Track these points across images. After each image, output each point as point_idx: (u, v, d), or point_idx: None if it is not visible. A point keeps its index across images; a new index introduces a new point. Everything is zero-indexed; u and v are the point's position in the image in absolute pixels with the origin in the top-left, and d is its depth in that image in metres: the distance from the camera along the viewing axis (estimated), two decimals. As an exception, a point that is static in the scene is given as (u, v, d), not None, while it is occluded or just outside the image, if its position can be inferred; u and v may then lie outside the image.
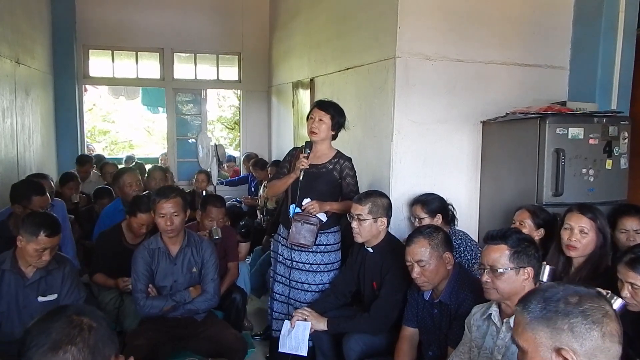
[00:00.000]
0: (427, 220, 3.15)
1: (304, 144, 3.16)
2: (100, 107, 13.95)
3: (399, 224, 3.54)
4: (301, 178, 3.08)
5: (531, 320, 1.23)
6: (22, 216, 2.75)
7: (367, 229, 2.82)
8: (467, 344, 2.09)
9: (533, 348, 1.22)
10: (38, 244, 2.49)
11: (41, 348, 1.18)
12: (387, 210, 2.87)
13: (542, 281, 2.30)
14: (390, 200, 2.93)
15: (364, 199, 2.84)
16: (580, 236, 2.40)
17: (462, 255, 3.10)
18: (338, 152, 3.22)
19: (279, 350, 2.92)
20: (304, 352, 2.87)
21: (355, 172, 3.21)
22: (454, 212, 3.41)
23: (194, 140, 7.61)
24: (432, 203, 3.24)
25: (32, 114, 5.49)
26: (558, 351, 1.18)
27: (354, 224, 2.84)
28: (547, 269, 2.32)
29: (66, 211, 3.90)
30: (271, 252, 3.47)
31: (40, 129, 5.81)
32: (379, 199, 2.85)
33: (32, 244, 2.49)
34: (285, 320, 3.00)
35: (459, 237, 3.19)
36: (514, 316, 1.47)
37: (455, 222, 3.42)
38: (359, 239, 2.87)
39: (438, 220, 3.18)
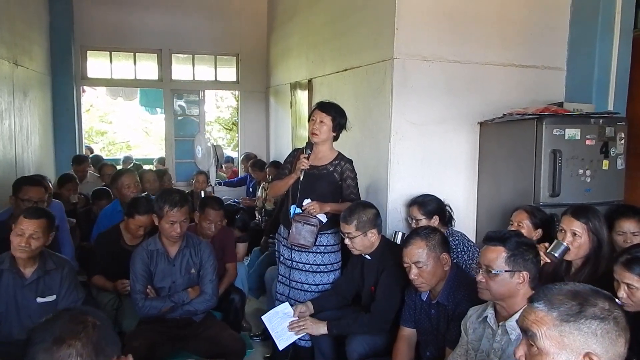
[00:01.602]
0: (424, 222, 3.17)
1: (304, 144, 3.17)
2: (97, 107, 13.93)
3: (397, 225, 3.55)
4: (301, 178, 3.08)
5: (561, 321, 1.18)
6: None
7: (359, 243, 2.83)
8: (464, 346, 2.10)
9: (557, 349, 1.17)
10: (17, 227, 2.50)
11: (46, 343, 1.19)
12: (375, 221, 2.84)
13: (555, 255, 2.36)
14: (376, 210, 2.89)
15: (348, 217, 2.81)
16: (573, 239, 2.41)
17: (460, 256, 3.11)
18: (339, 154, 3.22)
19: (262, 317, 2.99)
20: (278, 343, 2.92)
21: (355, 174, 3.21)
22: (451, 213, 3.42)
23: (192, 141, 7.60)
24: (429, 204, 3.25)
25: (30, 115, 5.49)
26: (586, 355, 1.15)
27: (347, 242, 2.85)
28: (562, 247, 2.37)
29: (64, 213, 3.90)
30: (275, 253, 3.48)
31: (38, 130, 5.81)
32: (363, 213, 2.81)
33: (14, 230, 2.51)
34: (286, 303, 3.04)
35: (457, 238, 3.20)
36: (517, 316, 1.46)
37: (453, 223, 3.42)
38: (355, 252, 2.90)
39: (435, 221, 3.19)
